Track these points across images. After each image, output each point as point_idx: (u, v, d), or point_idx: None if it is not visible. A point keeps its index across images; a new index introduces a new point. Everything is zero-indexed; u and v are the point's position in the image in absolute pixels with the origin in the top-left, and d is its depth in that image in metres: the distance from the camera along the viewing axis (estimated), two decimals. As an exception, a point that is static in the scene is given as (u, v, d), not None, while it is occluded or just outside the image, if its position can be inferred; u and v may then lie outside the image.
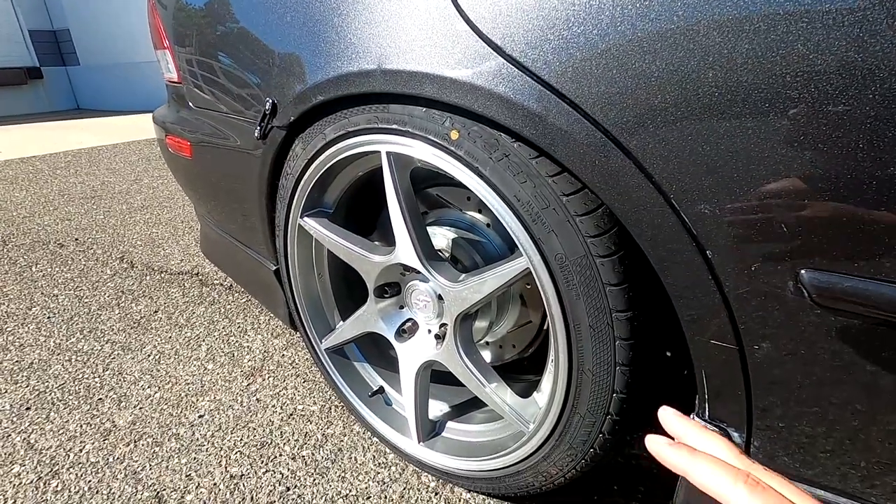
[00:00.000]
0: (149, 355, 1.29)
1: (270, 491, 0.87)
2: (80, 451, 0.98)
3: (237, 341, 1.33)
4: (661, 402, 0.66)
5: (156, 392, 1.15)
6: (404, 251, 0.71)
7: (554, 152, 0.51)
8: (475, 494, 0.85)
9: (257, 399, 1.11)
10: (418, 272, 0.74)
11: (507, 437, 0.75)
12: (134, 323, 1.45)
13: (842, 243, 0.40)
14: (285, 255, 0.89)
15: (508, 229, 0.58)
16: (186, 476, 0.91)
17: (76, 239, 2.17)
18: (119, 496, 0.87)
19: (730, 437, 0.55)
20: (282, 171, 0.83)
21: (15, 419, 1.08)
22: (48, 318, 1.50)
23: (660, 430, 0.41)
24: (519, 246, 0.58)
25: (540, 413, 0.66)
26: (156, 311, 1.51)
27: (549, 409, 0.64)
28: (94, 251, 2.02)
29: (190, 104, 1.04)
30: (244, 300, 1.56)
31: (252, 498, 0.86)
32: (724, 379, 0.52)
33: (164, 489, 0.88)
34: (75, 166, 3.72)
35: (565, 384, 0.61)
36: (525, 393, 0.74)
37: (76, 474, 0.92)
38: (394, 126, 0.64)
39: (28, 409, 1.11)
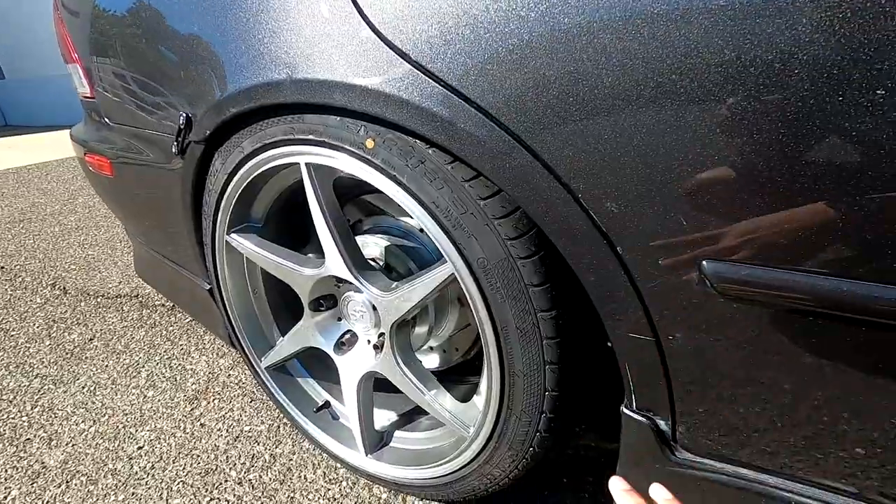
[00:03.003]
0: (83, 387, 1.21)
1: (215, 520, 0.83)
2: (5, 498, 0.91)
3: (180, 364, 1.28)
4: (598, 394, 0.67)
5: (90, 426, 1.08)
6: (334, 263, 0.69)
7: (466, 157, 0.51)
8: (427, 503, 0.84)
9: (201, 424, 1.06)
10: (351, 283, 0.72)
11: (452, 442, 0.74)
12: (67, 353, 1.37)
13: (737, 234, 0.42)
14: (216, 273, 0.86)
15: (430, 236, 0.57)
16: (124, 513, 0.86)
17: (1, 267, 2.03)
18: (49, 543, 0.82)
19: (656, 424, 0.57)
20: (204, 188, 0.80)
21: (-70, 470, 0.99)
22: (-30, 355, 1.40)
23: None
24: (442, 252, 0.58)
25: (479, 416, 0.66)
26: (91, 339, 1.43)
27: (486, 412, 0.64)
28: (21, 279, 1.89)
29: (106, 120, 0.99)
30: (187, 321, 1.49)
31: (195, 529, 0.82)
32: (645, 369, 0.53)
33: (100, 530, 0.84)
34: (1, 188, 3.49)
35: (499, 386, 0.61)
36: (467, 398, 0.73)
37: (1, 524, 0.86)
38: (310, 136, 0.62)
39: (-54, 457, 1.03)
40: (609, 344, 0.64)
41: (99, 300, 1.67)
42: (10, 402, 1.18)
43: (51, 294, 1.74)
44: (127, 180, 1.01)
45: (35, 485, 0.94)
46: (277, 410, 1.08)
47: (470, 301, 0.58)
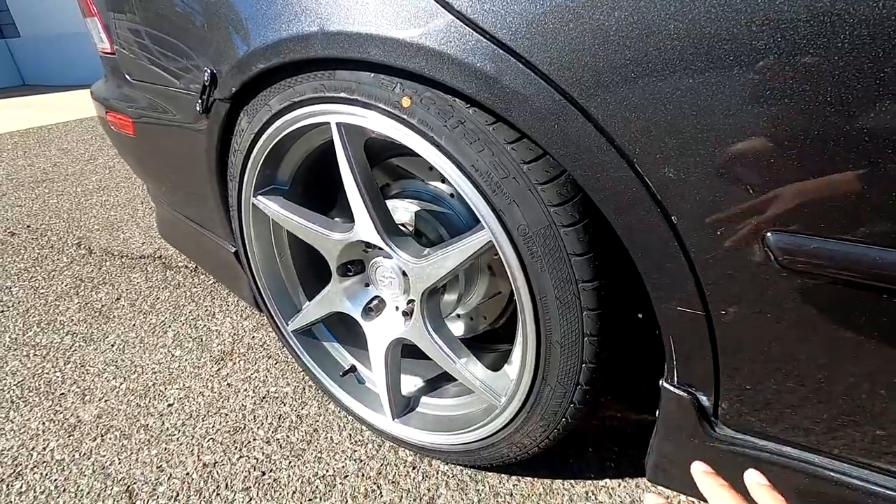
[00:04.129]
0: (112, 345, 1.24)
1: (245, 477, 0.85)
2: (44, 449, 0.95)
3: (205, 325, 1.29)
4: (633, 365, 0.65)
5: (121, 383, 1.11)
6: (364, 228, 0.67)
7: (511, 117, 0.48)
8: (452, 466, 0.85)
9: (228, 384, 1.08)
10: (381, 249, 0.70)
11: (481, 410, 0.74)
12: (95, 312, 1.39)
13: (807, 205, 0.39)
14: (242, 236, 0.85)
15: (468, 201, 0.55)
16: (158, 468, 0.89)
17: (28, 226, 2.06)
18: (87, 493, 0.85)
19: (698, 400, 0.55)
20: (230, 148, 0.78)
21: (-28, 420, 1.03)
22: (1, 311, 1.43)
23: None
24: (480, 218, 0.55)
25: (511, 386, 0.65)
26: (118, 299, 1.45)
27: (519, 383, 0.63)
28: (48, 238, 1.92)
29: (127, 77, 0.96)
30: (211, 282, 1.51)
31: (227, 485, 0.84)
32: (691, 344, 0.51)
33: (135, 482, 0.86)
34: (23, 147, 3.51)
35: (534, 357, 0.59)
36: (496, 366, 0.72)
37: (41, 473, 0.89)
38: (342, 94, 0.59)
39: (-12, 407, 1.06)
40: (640, 316, 0.62)
41: (123, 260, 1.69)
42: (44, 357, 1.22)
43: (76, 254, 1.77)
44: (149, 140, 0.99)
45: (71, 437, 0.97)
46: (302, 372, 1.09)
47: (508, 270, 0.56)
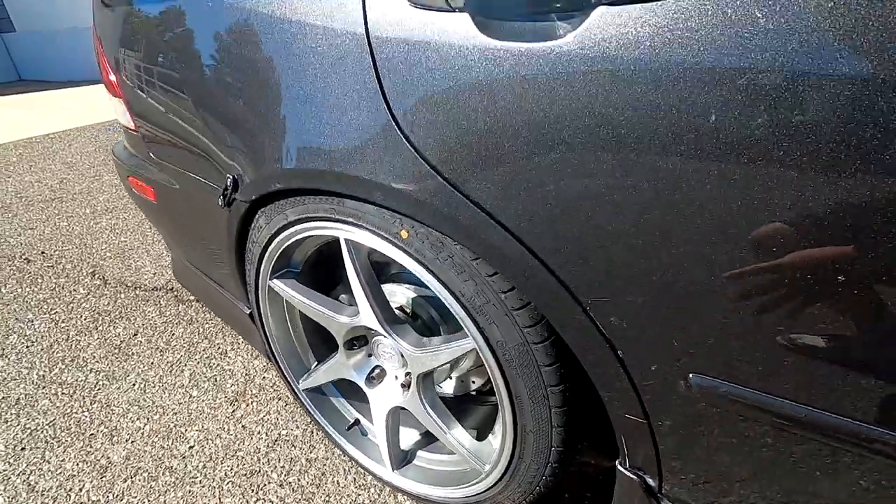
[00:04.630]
0: (133, 384, 1.35)
1: (262, 519, 0.97)
2: (81, 490, 1.06)
3: (218, 364, 1.40)
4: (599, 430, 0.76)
5: (145, 424, 1.22)
6: (367, 318, 0.78)
7: (488, 260, 0.59)
8: (445, 509, 0.96)
9: (243, 426, 1.19)
10: (376, 333, 0.81)
11: (470, 470, 0.86)
12: (114, 348, 1.50)
13: (722, 356, 0.50)
14: (258, 309, 0.96)
15: (457, 317, 0.66)
16: (184, 509, 1.00)
17: (42, 252, 2.15)
18: (123, 534, 0.96)
19: (645, 480, 0.67)
20: (248, 236, 0.88)
21: (12, 461, 1.14)
22: (27, 346, 1.54)
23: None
24: (466, 331, 0.66)
25: (494, 456, 0.77)
26: (135, 334, 1.56)
27: (500, 456, 0.75)
28: (63, 266, 2.02)
29: (150, 154, 1.06)
30: (219, 319, 1.61)
31: (246, 527, 0.96)
32: (637, 440, 0.62)
33: (165, 523, 0.98)
34: (29, 160, 3.58)
35: (512, 440, 0.71)
36: (482, 424, 0.84)
37: (80, 514, 1.01)
38: (350, 219, 0.69)
39: (23, 448, 1.17)
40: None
41: (137, 293, 1.79)
42: (71, 396, 1.32)
43: (91, 284, 1.87)
44: (170, 209, 1.10)
45: (104, 479, 1.08)
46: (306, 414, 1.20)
47: (489, 371, 0.67)
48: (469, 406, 0.96)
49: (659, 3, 0.39)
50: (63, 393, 1.34)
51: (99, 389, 1.34)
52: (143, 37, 0.91)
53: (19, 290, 1.86)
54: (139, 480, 1.07)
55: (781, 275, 0.42)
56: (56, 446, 1.17)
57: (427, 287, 0.82)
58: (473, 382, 0.96)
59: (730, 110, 0.39)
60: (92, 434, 1.20)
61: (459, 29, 0.50)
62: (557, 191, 0.49)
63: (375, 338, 0.87)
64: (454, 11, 0.51)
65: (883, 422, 0.43)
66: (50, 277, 1.94)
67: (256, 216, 0.84)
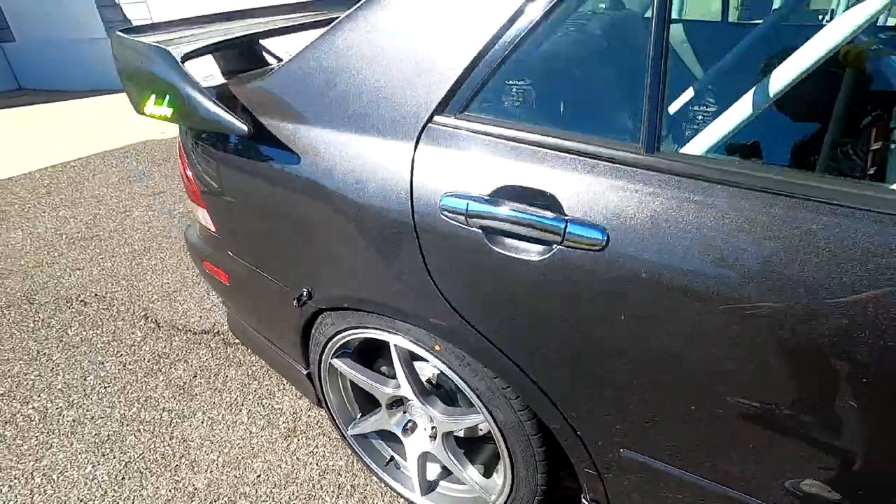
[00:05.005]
0: (202, 422, 1.66)
1: (323, 534, 1.29)
2: (177, 512, 1.37)
3: (269, 403, 1.71)
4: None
5: (218, 456, 1.53)
6: (406, 392, 1.10)
7: (491, 369, 0.90)
8: (460, 524, 1.28)
9: (297, 458, 1.51)
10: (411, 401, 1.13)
11: (480, 498, 1.18)
12: (179, 389, 1.81)
13: (640, 441, 0.82)
14: (319, 378, 1.27)
15: (473, 402, 0.98)
16: (261, 527, 1.32)
17: (95, 294, 2.45)
18: (218, 546, 1.28)
19: (602, 510, 0.99)
20: (314, 326, 1.19)
21: (117, 488, 1.45)
22: (105, 388, 1.84)
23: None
24: (479, 409, 0.98)
25: (497, 489, 1.09)
26: (194, 376, 1.87)
27: (502, 491, 1.07)
28: (116, 309, 2.32)
29: (228, 252, 1.36)
30: (249, 367, 1.92)
31: (311, 539, 1.28)
32: (593, 484, 0.94)
33: (248, 538, 1.29)
34: (58, 192, 3.85)
35: (510, 482, 1.03)
36: (488, 466, 1.16)
37: (181, 531, 1.32)
38: (399, 333, 1.01)
39: (123, 478, 1.48)
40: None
41: (188, 336, 2.10)
42: (152, 433, 1.63)
43: (146, 327, 2.17)
44: (243, 293, 1.40)
45: (194, 500, 1.39)
46: (349, 451, 1.51)
47: (495, 438, 0.99)
48: (478, 444, 1.27)
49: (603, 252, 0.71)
50: (144, 430, 1.65)
51: (174, 426, 1.65)
52: (238, 180, 1.21)
53: (84, 334, 2.16)
54: (221, 503, 1.38)
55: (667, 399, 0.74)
56: (149, 476, 1.48)
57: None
58: (481, 431, 1.28)
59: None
60: (176, 465, 1.51)
61: (475, 237, 0.81)
62: (536, 334, 0.81)
63: (410, 402, 1.19)
64: (471, 228, 0.82)
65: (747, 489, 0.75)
66: (107, 320, 2.24)
67: (323, 316, 1.15)
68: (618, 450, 0.85)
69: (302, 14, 1.64)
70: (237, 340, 2.04)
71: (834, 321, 0.59)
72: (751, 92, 0.74)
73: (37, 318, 2.29)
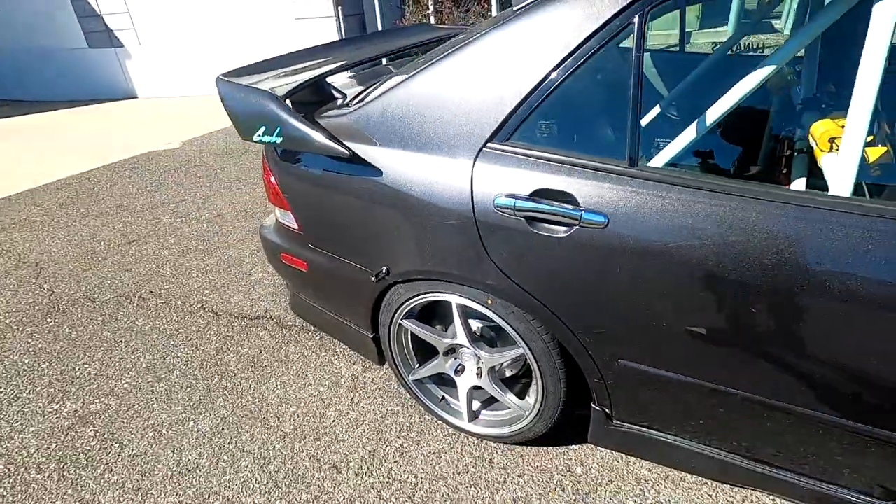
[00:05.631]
0: (276, 385, 2.04)
1: (393, 453, 1.69)
2: (274, 448, 1.75)
3: (329, 369, 2.10)
4: (582, 393, 1.52)
5: (297, 409, 1.92)
6: (462, 340, 1.52)
7: (529, 312, 1.33)
8: (492, 443, 1.70)
9: (362, 406, 1.90)
10: (467, 347, 1.55)
11: (515, 417, 1.60)
12: (250, 363, 2.18)
13: (632, 352, 1.25)
14: (388, 338, 1.67)
15: (515, 339, 1.40)
16: (345, 454, 1.71)
17: (151, 291, 2.78)
18: (309, 470, 1.67)
19: (605, 410, 1.42)
20: (385, 297, 1.60)
21: (220, 436, 1.82)
22: (185, 364, 2.20)
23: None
24: (519, 345, 1.40)
25: (530, 406, 1.51)
26: (260, 353, 2.24)
27: (533, 407, 1.49)
28: (175, 303, 2.66)
29: (309, 245, 1.75)
30: (317, 338, 2.31)
31: (383, 459, 1.68)
32: (600, 391, 1.38)
33: (341, 459, 1.69)
34: (78, 204, 4.12)
35: (541, 398, 1.46)
36: (521, 395, 1.58)
37: (291, 468, 1.70)
38: (460, 294, 1.43)
39: (223, 428, 1.85)
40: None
41: (246, 321, 2.46)
42: (237, 395, 2.00)
43: (206, 316, 2.53)
44: (320, 277, 1.79)
45: (285, 441, 1.78)
46: (403, 395, 1.92)
47: (530, 363, 1.42)
48: (510, 382, 1.70)
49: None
50: (229, 394, 2.02)
51: (253, 390, 2.03)
52: (329, 189, 1.60)
53: (152, 324, 2.51)
54: (309, 440, 1.77)
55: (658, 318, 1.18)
56: (244, 426, 1.86)
57: (489, 320, 1.57)
58: (507, 372, 1.70)
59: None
60: (264, 417, 1.89)
61: (520, 224, 1.23)
62: (562, 286, 1.24)
63: (461, 349, 1.60)
64: (517, 218, 1.24)
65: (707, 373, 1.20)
66: (169, 312, 2.59)
67: (396, 286, 1.55)
68: (615, 360, 1.28)
69: (353, 51, 2.04)
70: (291, 322, 2.42)
71: (741, 270, 1.03)
72: (701, 116, 1.18)
73: (103, 313, 2.62)
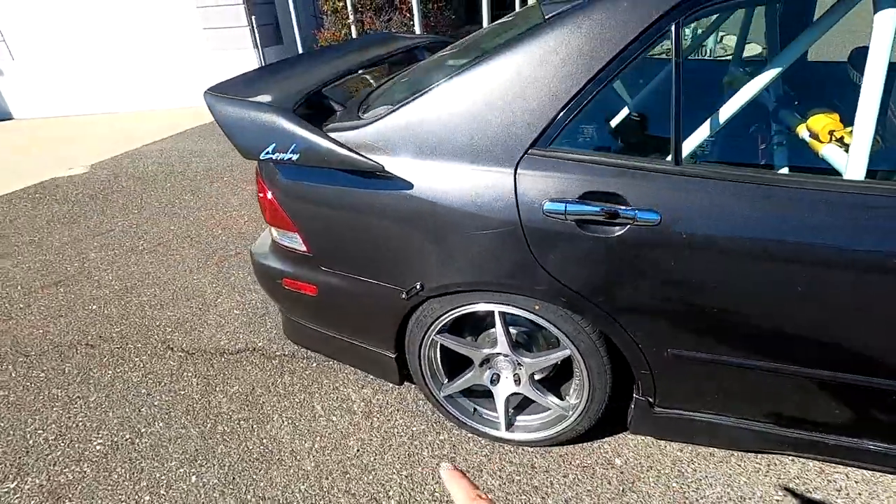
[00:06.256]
0: (282, 422, 1.88)
1: (432, 474, 1.63)
2: (298, 490, 1.62)
3: (337, 396, 1.98)
4: (625, 390, 1.57)
5: (313, 444, 1.78)
6: (503, 349, 1.51)
7: (577, 312, 1.35)
8: (529, 449, 1.70)
9: (384, 431, 1.82)
10: (506, 355, 1.54)
11: (556, 418, 1.61)
12: (244, 401, 1.99)
13: (680, 341, 1.32)
14: (418, 355, 1.61)
15: (562, 341, 1.41)
16: (381, 484, 1.62)
17: (98, 336, 2.45)
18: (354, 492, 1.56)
19: (648, 400, 1.48)
20: (416, 314, 1.54)
21: (232, 486, 1.64)
22: (167, 413, 1.96)
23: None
24: (568, 347, 1.42)
25: (573, 405, 1.54)
26: (252, 389, 2.06)
27: (578, 406, 1.52)
28: (134, 345, 2.36)
29: (321, 267, 1.65)
30: (314, 365, 2.16)
31: (423, 483, 1.61)
32: (645, 382, 1.43)
33: (379, 490, 1.59)
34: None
35: (588, 396, 1.48)
36: (560, 397, 1.60)
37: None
38: (504, 303, 1.41)
39: (234, 478, 1.67)
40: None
41: (227, 357, 2.25)
42: (240, 439, 1.82)
43: (176, 356, 2.27)
44: (333, 300, 1.69)
45: (310, 480, 1.64)
46: (423, 415, 1.86)
47: (576, 363, 1.44)
48: (548, 385, 1.71)
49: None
50: (230, 439, 1.83)
51: (258, 430, 1.85)
52: (349, 206, 1.51)
53: (111, 372, 2.20)
54: (336, 475, 1.66)
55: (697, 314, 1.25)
56: (257, 471, 1.70)
57: (526, 326, 1.57)
58: (537, 375, 1.72)
59: (681, 264, 1.20)
60: (278, 458, 1.74)
61: (571, 227, 1.25)
62: (614, 285, 1.28)
63: (496, 358, 1.59)
64: (568, 221, 1.26)
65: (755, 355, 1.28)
66: (129, 357, 2.29)
67: (429, 302, 1.51)
68: (665, 350, 1.34)
69: (331, 61, 1.95)
70: (280, 352, 2.25)
71: (785, 253, 1.13)
72: (726, 116, 1.28)
73: (45, 368, 2.26)
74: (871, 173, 1.24)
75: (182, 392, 2.06)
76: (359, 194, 1.45)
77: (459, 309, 1.48)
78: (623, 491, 1.55)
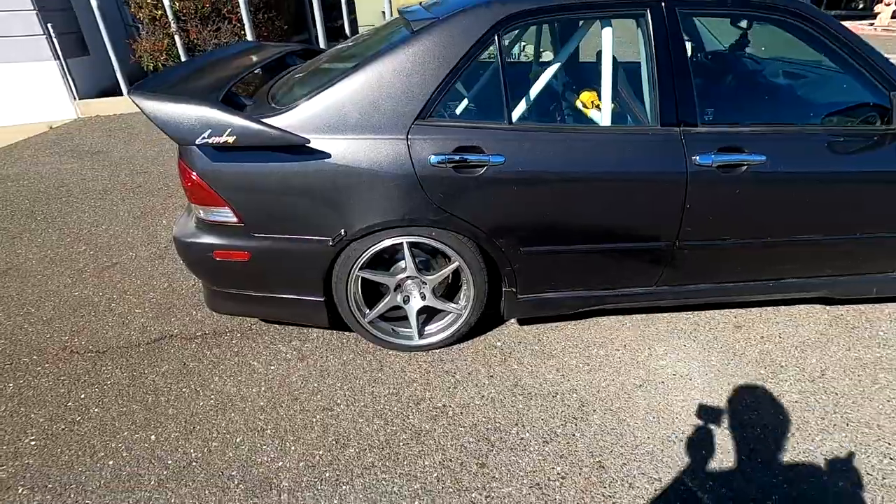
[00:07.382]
0: (224, 380, 2.13)
1: (368, 381, 2.09)
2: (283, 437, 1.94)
3: (269, 351, 2.29)
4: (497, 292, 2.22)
5: (260, 388, 2.09)
6: (411, 272, 2.04)
7: (460, 232, 1.96)
8: (435, 351, 2.26)
9: (318, 366, 2.20)
10: (413, 277, 2.08)
11: (454, 318, 2.20)
12: (180, 373, 2.18)
13: (530, 240, 2.00)
14: (345, 292, 2.05)
15: (452, 256, 2.01)
16: (329, 397, 2.02)
17: (-21, 358, 2.32)
18: (306, 419, 1.94)
19: (512, 290, 2.16)
20: (339, 258, 1.99)
21: (192, 434, 1.88)
22: (97, 400, 2.05)
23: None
24: (456, 259, 2.02)
25: (464, 307, 2.15)
26: (184, 364, 2.24)
27: (467, 306, 2.13)
28: (31, 357, 2.31)
29: (252, 234, 1.98)
30: (238, 335, 2.42)
31: (362, 389, 2.06)
32: (510, 276, 2.10)
33: (328, 402, 1.99)
34: None
35: (474, 298, 2.10)
36: (455, 303, 2.20)
37: (290, 426, 1.91)
38: (409, 235, 1.95)
39: (193, 427, 1.91)
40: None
41: (144, 347, 2.36)
42: (191, 398, 2.03)
43: (89, 357, 2.31)
44: (265, 261, 2.03)
45: (267, 410, 1.97)
46: (353, 347, 2.29)
47: (462, 272, 2.05)
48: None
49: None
50: (178, 401, 2.03)
51: (203, 391, 2.08)
52: (280, 177, 1.87)
53: (13, 385, 2.16)
54: (289, 401, 2.01)
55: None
56: (215, 416, 1.95)
57: (425, 254, 2.14)
58: (440, 287, 2.29)
59: (520, 187, 1.89)
60: (232, 403, 2.01)
61: (449, 173, 1.85)
62: (484, 209, 1.92)
63: (405, 283, 2.12)
64: (447, 167, 1.85)
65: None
66: (30, 368, 2.25)
67: (351, 245, 1.97)
68: (518, 248, 2.02)
69: (231, 62, 2.26)
70: (200, 332, 2.44)
71: (574, 173, 1.88)
72: (533, 95, 2.00)
73: (-78, 397, 2.11)
74: (613, 125, 2.08)
75: (108, 382, 2.15)
76: (286, 167, 1.85)
77: (377, 246, 1.97)
78: (504, 359, 2.21)
